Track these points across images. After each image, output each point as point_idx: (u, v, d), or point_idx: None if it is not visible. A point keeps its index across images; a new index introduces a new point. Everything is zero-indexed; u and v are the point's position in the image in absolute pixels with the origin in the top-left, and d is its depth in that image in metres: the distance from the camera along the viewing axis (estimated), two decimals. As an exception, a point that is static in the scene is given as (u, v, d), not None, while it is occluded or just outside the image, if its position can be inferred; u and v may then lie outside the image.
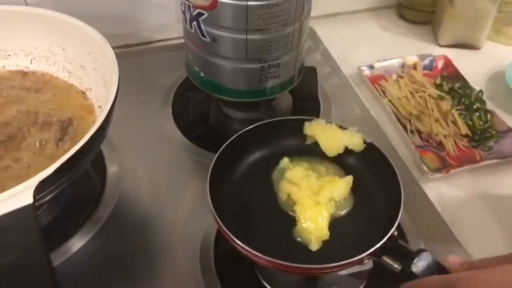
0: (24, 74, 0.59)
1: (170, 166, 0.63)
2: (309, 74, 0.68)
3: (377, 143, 0.65)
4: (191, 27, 0.56)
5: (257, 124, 0.52)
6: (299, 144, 0.53)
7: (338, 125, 0.52)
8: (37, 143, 0.51)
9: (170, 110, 0.69)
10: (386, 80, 0.75)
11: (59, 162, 0.41)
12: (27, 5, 0.67)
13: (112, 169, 0.62)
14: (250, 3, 0.50)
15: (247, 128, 0.51)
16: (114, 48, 0.78)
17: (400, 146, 0.66)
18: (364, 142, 0.51)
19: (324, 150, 0.52)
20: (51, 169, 0.40)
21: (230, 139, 0.50)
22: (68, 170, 0.43)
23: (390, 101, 0.71)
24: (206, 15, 0.53)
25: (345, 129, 0.52)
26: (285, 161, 0.51)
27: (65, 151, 0.50)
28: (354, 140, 0.51)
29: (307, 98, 0.70)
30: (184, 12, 0.57)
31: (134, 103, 0.69)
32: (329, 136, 0.51)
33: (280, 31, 0.54)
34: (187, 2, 0.54)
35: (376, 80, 0.75)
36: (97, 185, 0.59)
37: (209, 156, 0.62)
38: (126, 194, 0.60)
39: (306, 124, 0.53)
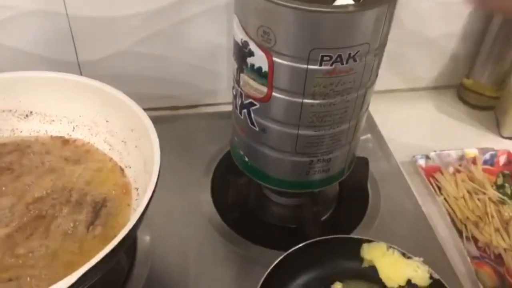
0: (65, 141, 0.57)
1: (202, 250, 0.59)
2: (360, 164, 0.64)
3: (426, 246, 0.60)
4: (240, 113, 0.53)
5: (307, 242, 0.48)
6: (353, 266, 0.49)
7: (401, 252, 0.47)
8: (67, 226, 0.48)
9: (209, 185, 0.66)
10: (442, 174, 0.70)
11: (82, 270, 0.37)
12: (81, 74, 0.67)
13: (142, 244, 0.59)
14: (305, 100, 0.47)
15: (297, 247, 0.47)
16: (161, 109, 0.79)
17: (453, 255, 0.60)
18: (431, 277, 0.46)
19: (382, 279, 0.47)
20: (74, 277, 0.37)
21: (278, 260, 0.46)
22: (94, 272, 0.40)
23: (445, 200, 0.66)
24: (258, 106, 0.50)
25: (409, 257, 0.47)
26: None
27: (95, 237, 0.48)
28: (419, 273, 0.46)
29: (355, 187, 0.65)
30: (235, 97, 0.54)
31: (173, 172, 0.66)
32: (390, 264, 0.47)
33: (335, 128, 0.50)
34: (239, 89, 0.51)
35: (431, 173, 0.70)
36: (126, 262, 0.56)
37: (244, 245, 0.59)
38: (155, 273, 0.56)
39: (365, 246, 0.48)
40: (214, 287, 0.55)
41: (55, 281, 0.45)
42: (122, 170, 0.55)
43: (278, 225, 0.62)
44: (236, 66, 0.51)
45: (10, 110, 0.56)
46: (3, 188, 0.51)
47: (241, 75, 0.50)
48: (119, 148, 0.55)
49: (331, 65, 0.44)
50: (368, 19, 0.42)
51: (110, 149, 0.56)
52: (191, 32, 0.72)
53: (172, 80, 0.77)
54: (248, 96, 0.50)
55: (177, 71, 0.76)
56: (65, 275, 0.45)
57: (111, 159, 0.56)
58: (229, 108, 0.75)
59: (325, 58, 0.43)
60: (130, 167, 0.54)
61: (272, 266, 0.46)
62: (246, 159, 0.57)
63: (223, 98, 0.79)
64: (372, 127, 0.77)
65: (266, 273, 0.45)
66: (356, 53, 0.44)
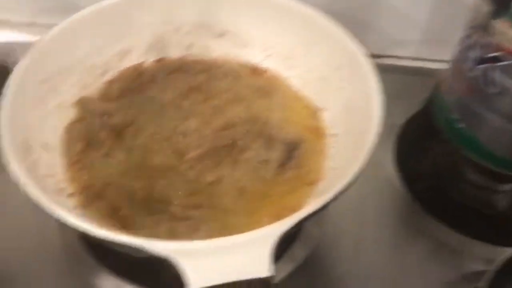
0: (254, 70, 0.52)
1: (380, 218, 0.52)
2: None
3: None
4: (474, 68, 0.43)
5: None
6: None
7: None
8: (257, 161, 0.43)
9: (390, 147, 0.58)
10: None
11: (305, 212, 0.32)
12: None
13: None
14: None
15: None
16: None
17: None
18: None
19: None
20: (293, 219, 0.32)
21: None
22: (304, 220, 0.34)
23: None
24: (507, 62, 0.40)
25: None
26: None
27: (285, 180, 0.43)
28: None
29: None
30: (467, 48, 0.44)
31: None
32: None
33: None
34: (483, 39, 0.42)
35: None
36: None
37: (431, 224, 0.51)
38: (328, 233, 0.50)
39: None
40: (392, 260, 0.49)
41: (240, 218, 0.41)
42: (314, 112, 0.48)
43: (474, 208, 0.53)
44: (488, 9, 0.41)
45: (208, 26, 0.51)
46: (191, 109, 0.48)
47: (495, 21, 0.40)
48: (316, 88, 0.49)
49: None
50: None
51: (304, 87, 0.50)
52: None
53: (354, 22, 0.67)
54: (497, 49, 0.41)
55: (364, 12, 0.66)
56: (251, 216, 0.41)
57: (305, 97, 0.49)
58: (418, 64, 0.67)
59: None
60: (326, 110, 0.48)
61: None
62: (460, 125, 0.47)
63: (414, 52, 0.69)
64: None
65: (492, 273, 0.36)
66: None
